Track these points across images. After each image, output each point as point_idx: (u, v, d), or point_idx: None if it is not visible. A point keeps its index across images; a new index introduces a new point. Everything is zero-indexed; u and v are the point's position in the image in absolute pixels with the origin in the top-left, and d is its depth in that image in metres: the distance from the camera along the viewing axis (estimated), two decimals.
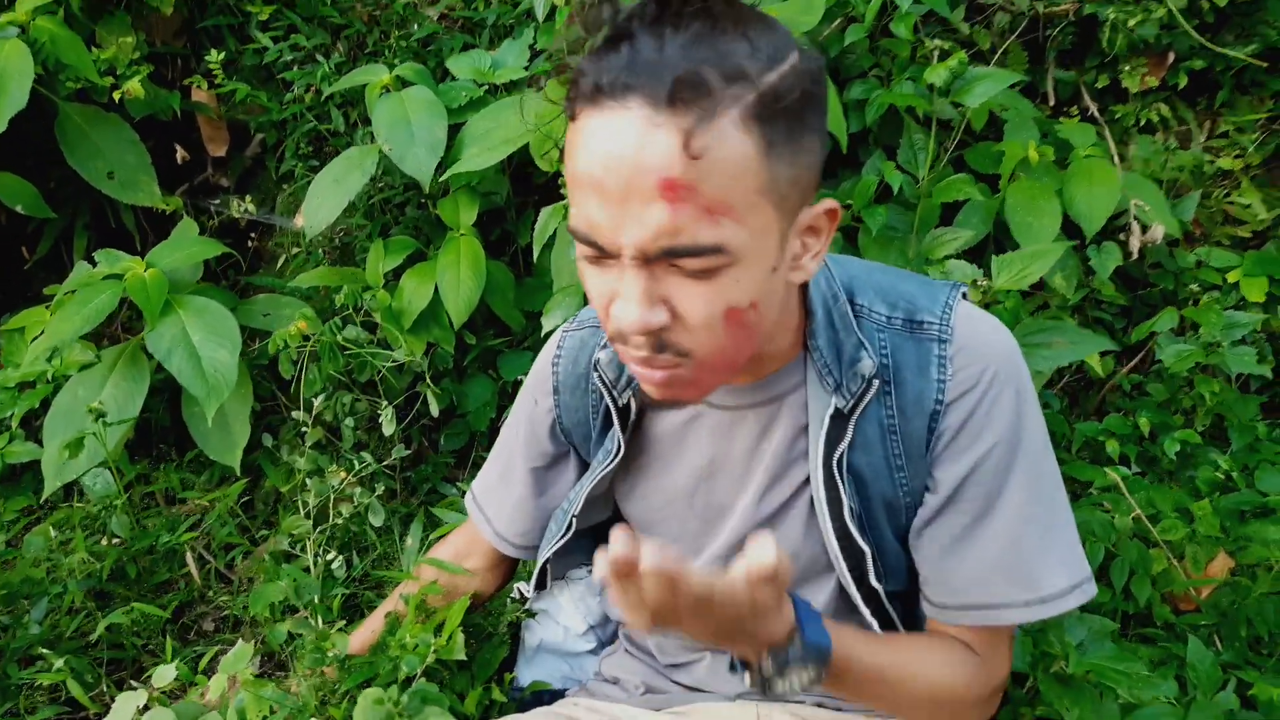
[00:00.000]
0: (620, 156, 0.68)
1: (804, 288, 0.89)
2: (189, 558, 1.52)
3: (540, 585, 1.17)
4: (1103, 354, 1.99)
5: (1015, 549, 0.90)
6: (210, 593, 1.55)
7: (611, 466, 1.01)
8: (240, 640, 1.26)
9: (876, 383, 0.90)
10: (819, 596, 1.00)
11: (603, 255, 0.73)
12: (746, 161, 0.70)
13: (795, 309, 0.89)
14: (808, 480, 0.94)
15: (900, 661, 0.90)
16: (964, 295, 0.95)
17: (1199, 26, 2.20)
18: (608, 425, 1.03)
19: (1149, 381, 1.93)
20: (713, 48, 0.68)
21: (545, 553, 1.11)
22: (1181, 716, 1.06)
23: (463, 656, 1.11)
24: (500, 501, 1.16)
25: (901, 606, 1.00)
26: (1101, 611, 1.33)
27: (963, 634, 0.95)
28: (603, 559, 0.64)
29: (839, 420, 0.90)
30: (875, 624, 0.97)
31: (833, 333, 0.90)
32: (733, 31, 0.69)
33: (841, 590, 0.98)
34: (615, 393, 0.99)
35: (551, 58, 1.70)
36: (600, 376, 1.00)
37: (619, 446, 1.00)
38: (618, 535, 0.64)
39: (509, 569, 1.26)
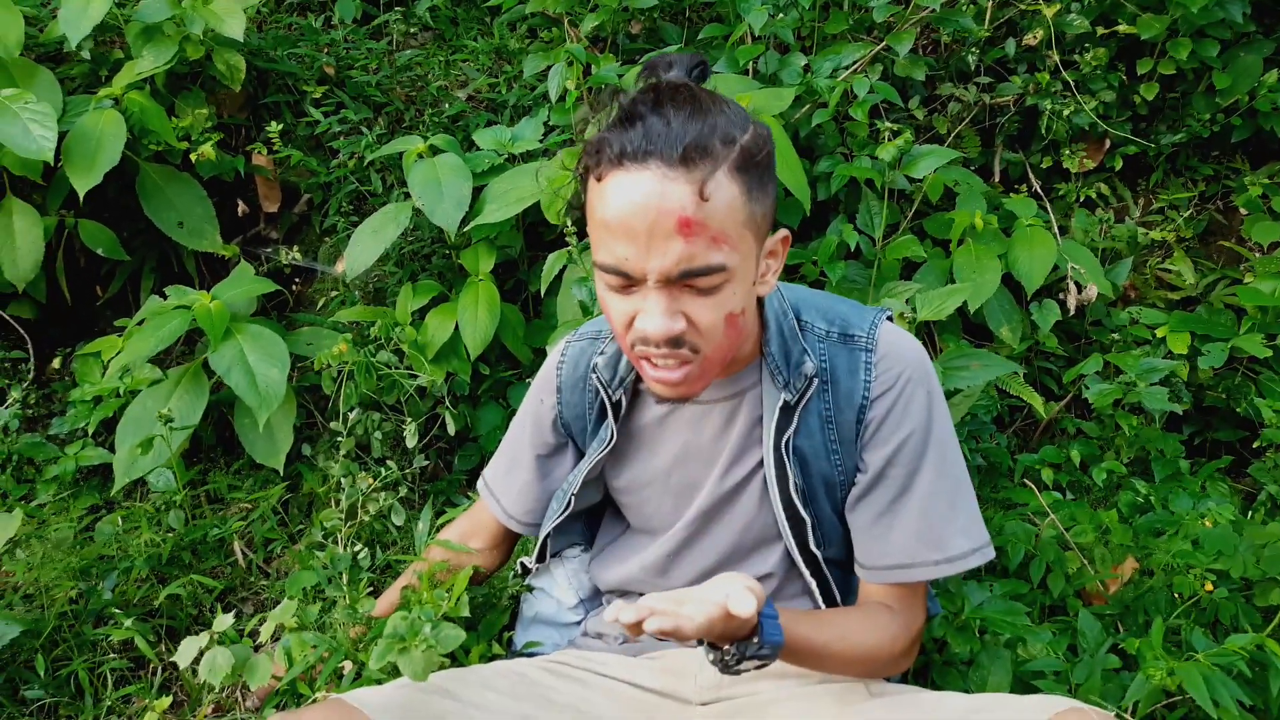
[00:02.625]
0: (645, 204, 0.91)
1: (761, 306, 1.15)
2: (236, 545, 1.75)
3: (541, 558, 1.37)
4: (1045, 400, 2.24)
5: (927, 519, 1.12)
6: (251, 578, 1.77)
7: (605, 452, 1.24)
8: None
9: (816, 381, 1.14)
10: (769, 559, 1.22)
11: (629, 282, 0.97)
12: (736, 202, 0.94)
13: (755, 322, 1.14)
14: (761, 464, 1.17)
15: (839, 635, 1.10)
16: (889, 318, 1.20)
17: (1134, 117, 2.51)
18: (601, 418, 1.26)
19: (1086, 423, 2.17)
20: (704, 121, 0.93)
21: (547, 527, 1.32)
22: (1068, 669, 1.28)
23: (466, 614, 1.31)
24: (508, 485, 1.37)
25: (839, 573, 1.22)
26: (1023, 601, 1.53)
27: (886, 594, 1.16)
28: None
29: (787, 411, 1.14)
30: (814, 584, 1.19)
31: (782, 341, 1.14)
32: (713, 109, 0.95)
33: (787, 554, 1.20)
34: (609, 390, 1.22)
35: (571, 134, 2.00)
36: (598, 377, 1.23)
37: (612, 435, 1.23)
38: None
39: (508, 549, 1.47)
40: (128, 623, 1.49)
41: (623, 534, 1.36)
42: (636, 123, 0.93)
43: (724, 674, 0.98)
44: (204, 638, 1.34)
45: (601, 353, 1.24)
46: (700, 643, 0.97)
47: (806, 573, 1.19)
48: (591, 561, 1.40)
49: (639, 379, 1.22)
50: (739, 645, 0.94)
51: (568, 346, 1.31)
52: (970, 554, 1.12)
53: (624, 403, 1.23)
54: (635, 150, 0.91)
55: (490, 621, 1.45)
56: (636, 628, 0.86)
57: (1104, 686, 1.27)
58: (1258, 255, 2.38)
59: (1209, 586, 1.43)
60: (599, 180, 0.95)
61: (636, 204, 0.91)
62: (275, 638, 1.41)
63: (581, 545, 1.44)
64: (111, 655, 1.51)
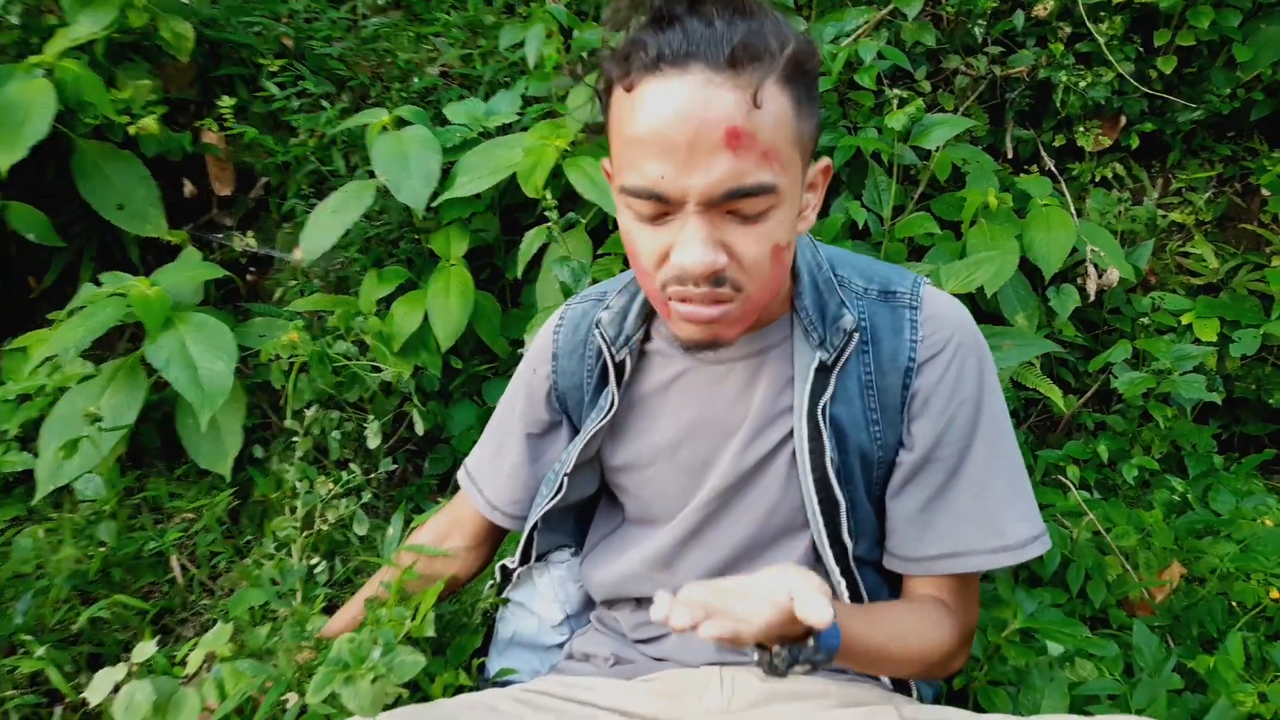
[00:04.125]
0: (688, 114, 0.78)
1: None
2: (174, 561, 1.55)
3: (525, 558, 1.19)
4: (1065, 393, 2.08)
5: (983, 500, 0.97)
6: (192, 597, 1.57)
7: (605, 421, 1.07)
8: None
9: (856, 337, 0.99)
10: (792, 554, 1.04)
11: (663, 209, 0.83)
12: (786, 115, 0.82)
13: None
14: (789, 435, 1.00)
15: (895, 634, 0.94)
16: (928, 282, 1.05)
17: (1150, 95, 2.36)
18: (602, 384, 1.10)
19: (1109, 417, 2.01)
20: (748, 24, 0.80)
21: (536, 514, 1.15)
22: (1128, 692, 1.10)
23: (432, 633, 1.13)
24: (494, 471, 1.20)
25: (872, 577, 1.05)
26: (1060, 612, 1.36)
27: (936, 588, 1.01)
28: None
29: (822, 373, 0.98)
30: (843, 584, 1.01)
31: (817, 294, 1.00)
32: (757, 13, 0.82)
33: (813, 549, 1.03)
34: (613, 349, 1.06)
35: (552, 105, 1.81)
36: (601, 334, 1.07)
37: (613, 402, 1.07)
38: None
39: (490, 549, 1.29)
40: (40, 651, 1.29)
41: (619, 527, 1.19)
42: (674, 24, 0.80)
43: (769, 675, 0.80)
44: (121, 669, 1.15)
45: (607, 308, 1.09)
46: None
47: (836, 570, 1.02)
48: (582, 561, 1.22)
49: (646, 339, 1.07)
50: (791, 649, 0.77)
51: (567, 309, 1.16)
52: (1030, 542, 0.98)
53: (628, 365, 1.06)
54: (674, 53, 0.79)
55: (460, 645, 1.26)
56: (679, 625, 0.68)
57: (1169, 711, 1.10)
58: None
59: (1274, 594, 1.27)
60: (629, 90, 0.82)
61: (677, 114, 0.78)
62: (208, 667, 1.22)
63: (571, 548, 1.26)
64: (13, 691, 1.30)
